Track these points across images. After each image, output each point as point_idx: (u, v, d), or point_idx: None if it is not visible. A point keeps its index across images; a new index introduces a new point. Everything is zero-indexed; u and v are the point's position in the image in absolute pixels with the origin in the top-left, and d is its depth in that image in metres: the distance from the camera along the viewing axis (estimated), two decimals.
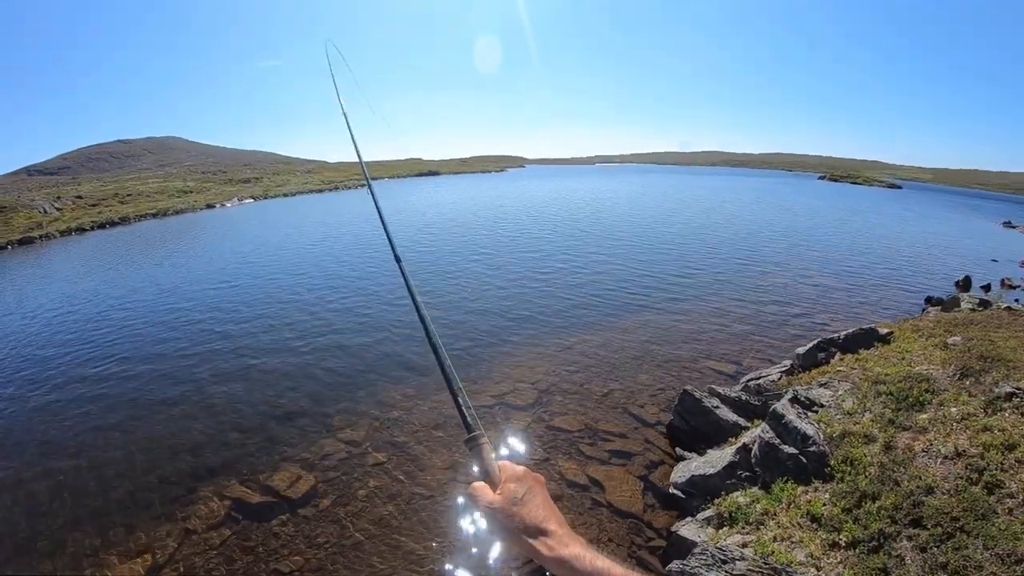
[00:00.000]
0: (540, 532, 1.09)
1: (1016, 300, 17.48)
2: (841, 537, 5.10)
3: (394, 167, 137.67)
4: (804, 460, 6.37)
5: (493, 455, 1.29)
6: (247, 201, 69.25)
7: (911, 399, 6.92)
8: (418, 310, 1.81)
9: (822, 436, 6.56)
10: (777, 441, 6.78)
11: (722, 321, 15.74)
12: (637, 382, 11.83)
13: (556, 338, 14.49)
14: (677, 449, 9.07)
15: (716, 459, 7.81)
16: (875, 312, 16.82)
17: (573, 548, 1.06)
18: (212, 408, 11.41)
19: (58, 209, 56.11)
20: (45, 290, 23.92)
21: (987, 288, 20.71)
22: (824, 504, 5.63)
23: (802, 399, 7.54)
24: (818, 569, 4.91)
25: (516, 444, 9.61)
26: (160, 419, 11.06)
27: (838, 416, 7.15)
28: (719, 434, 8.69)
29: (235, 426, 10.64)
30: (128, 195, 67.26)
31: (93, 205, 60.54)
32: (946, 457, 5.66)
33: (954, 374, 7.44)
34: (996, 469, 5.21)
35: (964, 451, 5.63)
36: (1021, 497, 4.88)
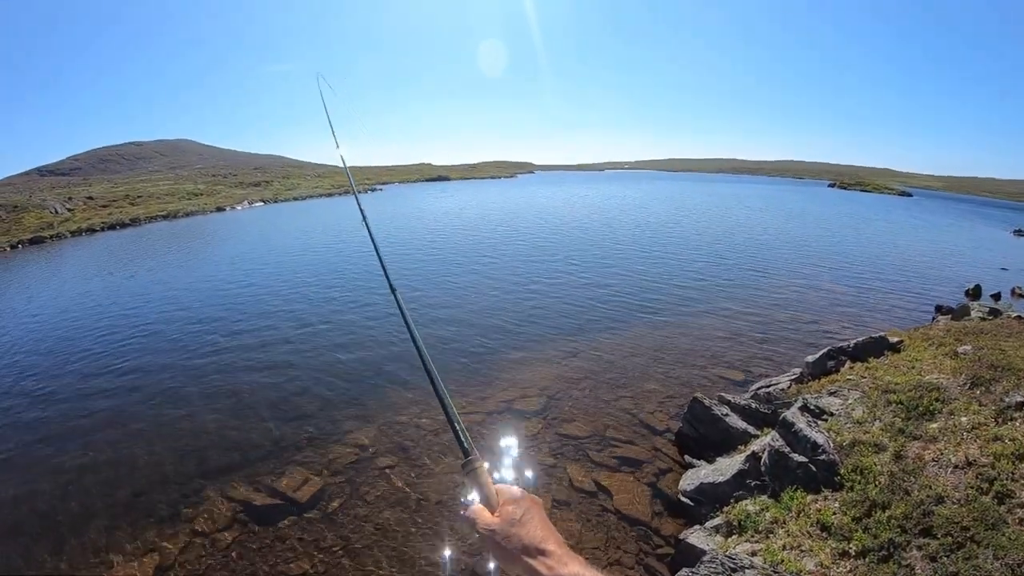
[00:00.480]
0: (539, 552, 1.10)
1: None
2: (851, 546, 5.10)
3: (403, 172, 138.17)
4: (814, 469, 6.36)
5: (490, 479, 1.30)
6: (257, 204, 69.54)
7: (921, 408, 6.90)
8: (414, 339, 1.82)
9: (832, 445, 6.55)
10: (787, 449, 6.77)
11: (731, 328, 15.71)
12: (646, 389, 11.83)
13: (565, 344, 14.49)
14: (686, 456, 9.05)
15: (725, 467, 7.80)
16: (885, 320, 16.74)
17: (572, 567, 1.08)
18: (220, 410, 11.47)
19: (69, 210, 56.43)
20: (54, 290, 24.14)
21: (997, 297, 20.62)
22: (834, 513, 5.62)
23: (812, 407, 7.52)
24: None
25: (524, 450, 9.62)
26: (168, 421, 11.12)
27: (848, 425, 7.13)
28: (728, 442, 8.68)
29: (243, 428, 10.70)
30: (139, 197, 67.60)
31: (104, 206, 60.87)
32: (956, 466, 5.65)
33: (964, 383, 7.42)
34: (1007, 479, 5.20)
35: (974, 460, 5.61)
36: None
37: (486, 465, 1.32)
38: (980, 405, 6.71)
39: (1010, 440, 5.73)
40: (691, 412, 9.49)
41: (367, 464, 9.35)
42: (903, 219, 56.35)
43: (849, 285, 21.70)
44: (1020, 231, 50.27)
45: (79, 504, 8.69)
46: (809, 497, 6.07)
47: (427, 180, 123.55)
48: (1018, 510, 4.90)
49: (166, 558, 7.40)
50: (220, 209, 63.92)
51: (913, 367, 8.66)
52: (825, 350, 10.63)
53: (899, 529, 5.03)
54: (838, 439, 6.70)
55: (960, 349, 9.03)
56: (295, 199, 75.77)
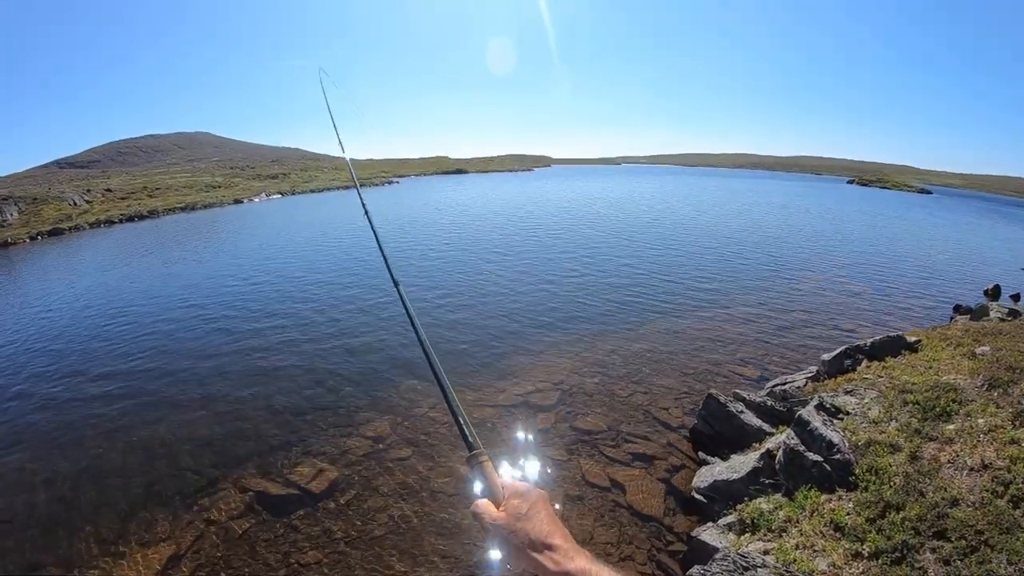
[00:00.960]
0: (545, 547, 1.10)
1: None
2: (864, 547, 5.09)
3: (421, 165, 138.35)
4: (828, 468, 6.34)
5: (495, 472, 1.30)
6: (275, 197, 69.88)
7: (938, 409, 6.87)
8: (417, 333, 1.84)
9: (847, 444, 6.53)
10: (802, 448, 6.75)
11: (748, 326, 15.66)
12: (661, 385, 11.83)
13: (580, 340, 14.51)
14: (700, 453, 9.05)
15: (739, 464, 7.79)
16: (903, 319, 16.64)
17: (579, 562, 1.08)
18: (236, 401, 11.60)
19: (87, 202, 57.00)
20: (71, 282, 24.53)
21: (1016, 298, 20.38)
22: (848, 513, 5.61)
23: (828, 406, 7.50)
24: None
25: (538, 444, 9.66)
26: (183, 412, 11.27)
27: (864, 424, 7.11)
28: (743, 439, 8.66)
29: (258, 419, 10.82)
30: (157, 189, 68.14)
31: (122, 198, 61.43)
32: (972, 469, 5.63)
33: (982, 384, 7.37)
34: (1023, 482, 5.17)
35: (990, 463, 5.59)
36: None
37: (490, 459, 1.33)
38: (997, 407, 6.67)
39: None
40: (706, 408, 9.47)
41: (381, 456, 9.42)
42: (922, 217, 55.75)
43: (867, 283, 21.54)
44: None
45: (95, 492, 8.83)
46: (823, 497, 6.06)
47: (444, 173, 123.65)
48: None
49: (180, 546, 7.51)
50: (238, 201, 64.35)
51: (930, 367, 8.62)
52: (842, 348, 10.59)
53: (913, 531, 5.02)
54: (853, 439, 6.68)
55: (978, 350, 8.97)
56: (312, 191, 76.02)
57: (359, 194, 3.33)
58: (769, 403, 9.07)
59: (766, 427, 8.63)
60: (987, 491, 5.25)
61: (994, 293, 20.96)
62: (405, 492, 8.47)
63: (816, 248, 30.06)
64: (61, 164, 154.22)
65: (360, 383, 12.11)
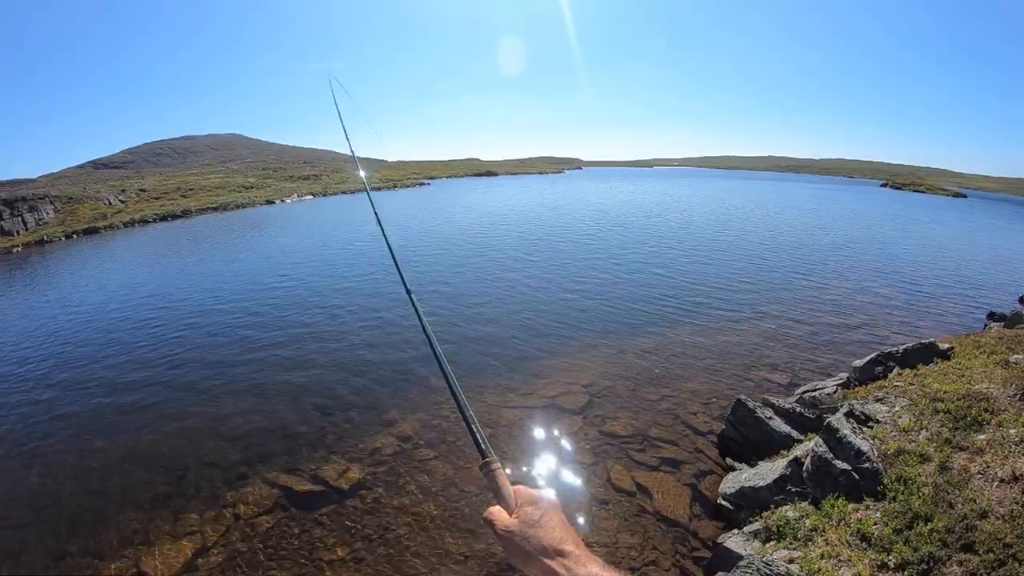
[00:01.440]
0: (558, 553, 1.11)
1: None
2: (890, 558, 5.05)
3: (451, 167, 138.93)
4: (857, 477, 6.29)
5: (507, 479, 1.31)
6: (307, 197, 70.66)
7: (969, 418, 6.77)
8: (430, 342, 1.84)
9: (876, 453, 6.47)
10: (830, 456, 6.70)
11: (778, 330, 15.50)
12: (690, 389, 11.78)
13: (608, 343, 14.49)
14: (727, 459, 9.02)
15: (767, 471, 7.75)
16: (935, 326, 16.33)
17: (591, 568, 1.08)
18: (265, 397, 11.85)
19: (122, 201, 58.31)
20: (103, 280, 25.45)
21: None
22: (875, 523, 5.56)
23: (858, 414, 7.43)
24: None
25: (565, 447, 9.69)
26: (212, 408, 11.53)
27: (894, 433, 7.02)
28: (771, 446, 8.61)
29: (287, 417, 11.02)
30: (190, 189, 69.30)
31: (156, 198, 62.66)
32: (1002, 480, 5.55)
33: (1015, 394, 7.25)
34: None
35: (1021, 475, 5.51)
36: None
37: (502, 466, 1.34)
38: None
39: None
40: (734, 414, 9.43)
41: (408, 455, 9.51)
42: (956, 221, 54.50)
43: (899, 289, 21.16)
44: None
45: (124, 485, 9.11)
46: (850, 506, 6.01)
47: (475, 175, 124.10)
48: None
49: (207, 540, 7.69)
50: (270, 202, 65.25)
51: (963, 375, 8.48)
52: (873, 355, 10.48)
53: (940, 543, 4.97)
54: (883, 447, 6.61)
55: (1012, 358, 8.82)
56: (344, 192, 76.65)
57: (370, 201, 3.34)
58: (798, 409, 9.00)
59: (794, 434, 8.57)
60: (1017, 503, 5.18)
61: None
62: (430, 492, 8.55)
63: (848, 253, 29.58)
64: (97, 164, 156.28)
65: (387, 384, 12.23)
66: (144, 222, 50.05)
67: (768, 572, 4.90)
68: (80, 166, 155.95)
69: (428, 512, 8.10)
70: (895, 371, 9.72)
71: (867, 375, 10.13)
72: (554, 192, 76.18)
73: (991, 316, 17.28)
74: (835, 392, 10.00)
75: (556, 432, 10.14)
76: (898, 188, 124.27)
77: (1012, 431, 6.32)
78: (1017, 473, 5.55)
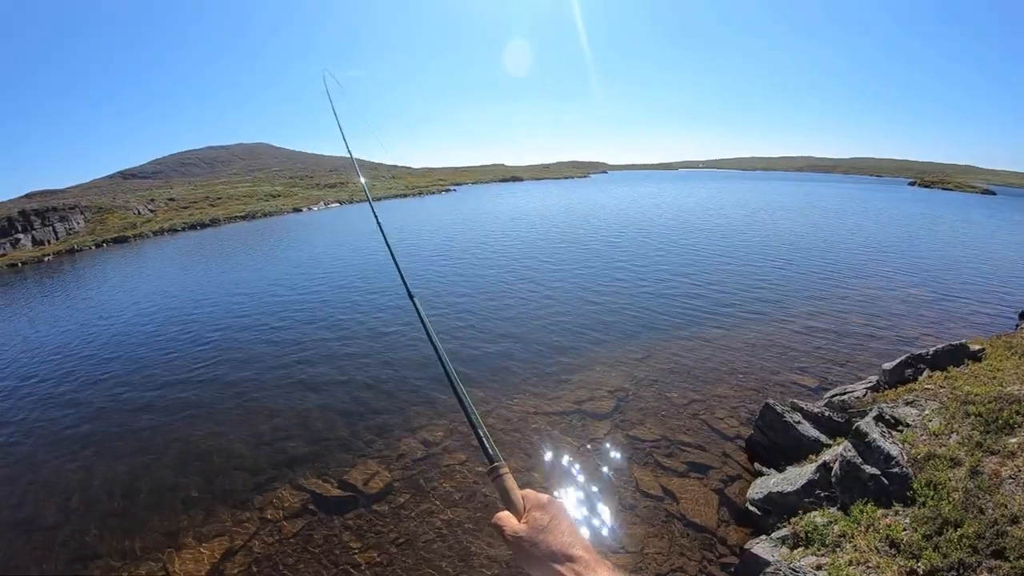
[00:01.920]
0: (567, 558, 1.09)
1: None
2: (919, 565, 4.98)
3: (477, 173, 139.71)
4: (886, 482, 6.22)
5: (515, 484, 1.30)
6: (333, 205, 71.46)
7: (1000, 421, 6.66)
8: (435, 346, 1.86)
9: (906, 457, 6.39)
10: (859, 460, 6.63)
11: (806, 333, 15.34)
12: (718, 394, 11.72)
13: (635, 347, 14.48)
14: (755, 464, 8.97)
15: (795, 476, 7.68)
16: (965, 327, 16.00)
17: (601, 573, 1.07)
18: (294, 403, 12.09)
19: (151, 211, 59.51)
20: (134, 287, 26.27)
21: None
22: (904, 529, 5.49)
23: (887, 417, 7.34)
24: None
25: (593, 451, 9.72)
26: (243, 412, 11.84)
27: (924, 437, 6.93)
28: (799, 450, 8.53)
29: (316, 421, 11.24)
30: (218, 198, 70.44)
31: (184, 207, 63.78)
32: None
33: None
34: None
35: None
36: None
37: (510, 471, 1.34)
38: None
39: None
40: (762, 418, 9.37)
41: (435, 461, 9.59)
42: (984, 219, 53.50)
43: (928, 289, 20.80)
44: None
45: (155, 486, 9.41)
46: (879, 511, 5.94)
47: (501, 181, 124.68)
48: None
49: (235, 541, 7.87)
50: (297, 210, 66.09)
51: (994, 377, 8.34)
52: (903, 358, 10.35)
53: (970, 549, 4.90)
54: (913, 451, 6.52)
55: None
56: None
57: (372, 209, 3.36)
58: (827, 414, 8.91)
59: (823, 438, 8.49)
60: None
61: None
62: (455, 497, 8.62)
63: (875, 253, 29.14)
64: (126, 175, 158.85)
65: (413, 390, 12.35)
66: (173, 231, 51.02)
67: None
68: (109, 176, 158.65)
69: (453, 517, 8.16)
70: (925, 373, 9.59)
71: (897, 378, 10.00)
72: (578, 197, 76.27)
73: (1023, 316, 16.94)
74: (864, 395, 9.89)
75: (583, 436, 10.18)
76: (926, 186, 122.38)
77: None
78: None
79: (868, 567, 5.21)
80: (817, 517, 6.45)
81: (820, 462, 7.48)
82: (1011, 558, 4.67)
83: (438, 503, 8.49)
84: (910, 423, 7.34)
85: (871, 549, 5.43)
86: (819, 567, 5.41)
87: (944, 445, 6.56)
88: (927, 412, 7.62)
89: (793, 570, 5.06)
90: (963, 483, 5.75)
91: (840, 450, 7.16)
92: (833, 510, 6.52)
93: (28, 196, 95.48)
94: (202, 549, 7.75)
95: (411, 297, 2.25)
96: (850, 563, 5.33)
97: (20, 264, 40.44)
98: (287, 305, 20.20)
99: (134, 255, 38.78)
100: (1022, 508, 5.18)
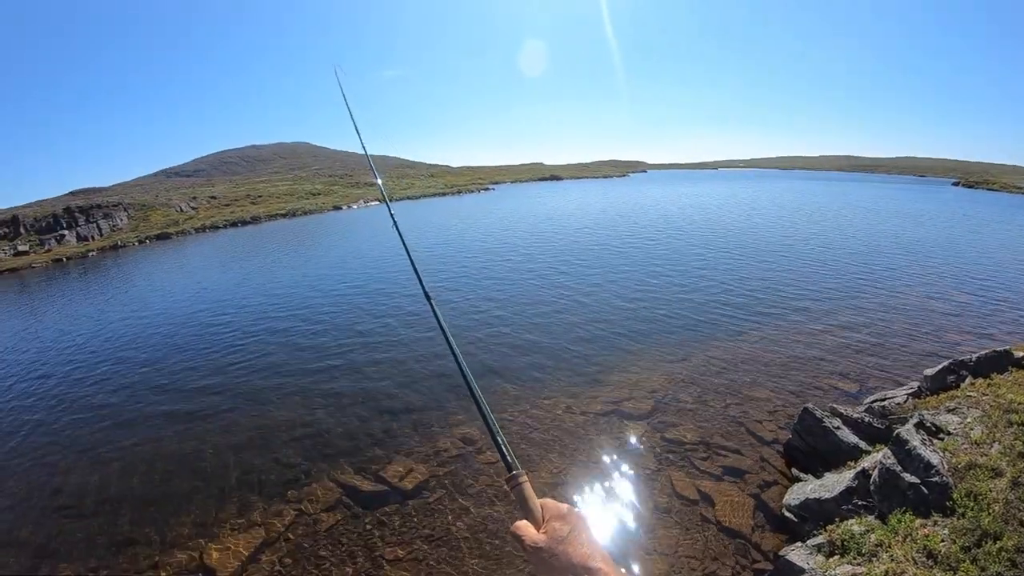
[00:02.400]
0: (585, 570, 1.09)
1: None
2: None
3: (516, 172, 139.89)
4: (925, 491, 6.15)
5: (534, 493, 1.30)
6: (373, 203, 72.20)
7: None
8: (452, 351, 1.90)
9: (946, 466, 6.31)
10: (898, 468, 6.56)
11: (847, 337, 15.08)
12: (756, 398, 11.63)
13: (674, 349, 14.43)
14: (793, 470, 8.90)
15: (833, 483, 7.62)
16: (1010, 332, 15.50)
17: None
18: (333, 398, 12.35)
19: (193, 208, 60.91)
20: (174, 284, 27.04)
21: None
22: (942, 540, 5.44)
23: (928, 425, 7.26)
24: None
25: (629, 453, 9.74)
26: (281, 408, 12.15)
27: (965, 446, 6.83)
28: (837, 456, 8.45)
29: (353, 417, 11.49)
30: (259, 196, 71.74)
31: (226, 205, 65.08)
32: None
33: None
34: None
35: None
36: None
37: (529, 480, 1.34)
38: None
39: None
40: (801, 423, 9.27)
41: (471, 459, 9.70)
42: None
43: (971, 293, 20.20)
44: None
45: (193, 477, 9.74)
46: (918, 521, 5.88)
47: (539, 180, 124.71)
48: None
49: (271, 533, 8.11)
50: (337, 208, 66.89)
51: None
52: (945, 363, 10.18)
53: (1009, 563, 4.84)
54: (953, 460, 6.44)
55: None
56: (409, 198, 78.19)
57: (388, 208, 3.37)
58: (867, 420, 8.81)
59: (862, 445, 8.40)
60: None
61: None
62: (491, 495, 8.72)
63: (918, 256, 28.40)
64: (168, 173, 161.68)
65: (453, 386, 12.46)
66: (214, 228, 52.14)
67: None
68: (153, 175, 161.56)
69: (489, 514, 8.25)
70: (968, 380, 9.42)
71: (938, 384, 9.84)
72: (617, 196, 75.96)
73: None
74: (905, 402, 9.75)
75: (619, 438, 10.20)
76: (970, 187, 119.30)
77: None
78: None
79: None
80: (854, 525, 6.40)
81: (859, 469, 7.41)
82: None
83: (473, 500, 8.59)
84: (951, 431, 7.25)
85: (908, 560, 5.38)
86: None
87: (985, 455, 6.47)
88: (969, 420, 7.51)
89: None
90: (1004, 494, 5.68)
91: (879, 457, 7.08)
92: (871, 518, 6.46)
93: (73, 193, 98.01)
94: (238, 538, 7.99)
95: (428, 299, 2.33)
96: (886, 573, 5.29)
97: (65, 259, 41.88)
98: (325, 303, 20.52)
99: (177, 251, 39.82)
100: None
